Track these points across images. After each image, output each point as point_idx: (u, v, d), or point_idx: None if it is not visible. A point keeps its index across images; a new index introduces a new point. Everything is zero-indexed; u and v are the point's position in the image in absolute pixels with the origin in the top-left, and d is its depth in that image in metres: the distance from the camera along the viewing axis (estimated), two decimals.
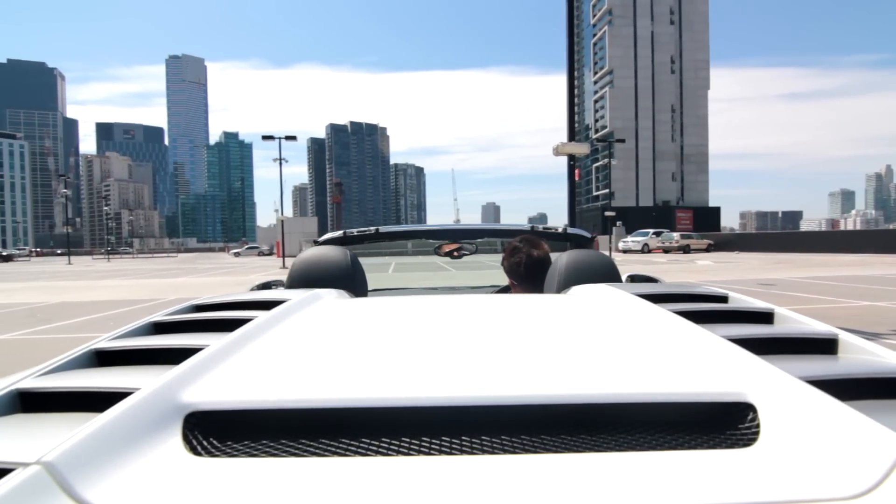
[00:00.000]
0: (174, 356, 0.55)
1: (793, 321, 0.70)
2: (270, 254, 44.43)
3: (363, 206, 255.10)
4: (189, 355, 0.54)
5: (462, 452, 0.40)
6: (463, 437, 0.41)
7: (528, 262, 1.55)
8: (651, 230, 33.53)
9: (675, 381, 0.47)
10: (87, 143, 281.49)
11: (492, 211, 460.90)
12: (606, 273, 1.17)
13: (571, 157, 8.70)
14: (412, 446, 0.40)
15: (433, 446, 0.40)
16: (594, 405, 0.43)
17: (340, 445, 0.41)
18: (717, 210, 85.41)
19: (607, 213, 32.84)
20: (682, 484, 0.35)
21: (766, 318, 0.73)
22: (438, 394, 0.44)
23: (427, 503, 0.34)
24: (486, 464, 0.38)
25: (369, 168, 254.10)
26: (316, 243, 1.87)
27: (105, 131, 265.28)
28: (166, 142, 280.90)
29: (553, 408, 0.43)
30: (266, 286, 1.81)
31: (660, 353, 0.55)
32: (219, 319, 0.72)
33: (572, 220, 9.10)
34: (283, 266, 19.54)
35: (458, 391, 0.45)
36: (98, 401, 0.45)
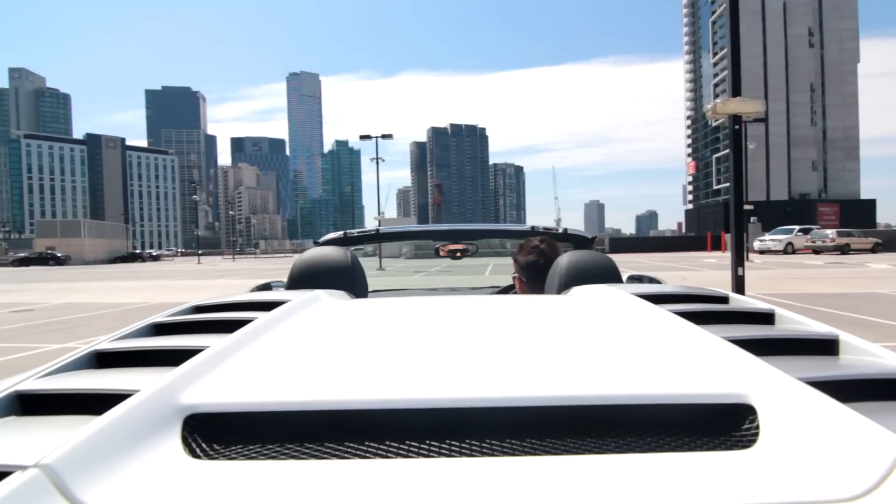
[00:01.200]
0: (174, 357, 0.55)
1: (793, 322, 0.69)
2: (375, 254, 45.72)
3: (462, 207, 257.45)
4: (189, 356, 0.54)
5: (462, 454, 0.39)
6: (463, 439, 0.41)
7: (546, 263, 1.54)
8: (796, 227, 28.35)
9: (676, 382, 0.47)
10: (224, 156, 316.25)
11: (595, 209, 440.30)
12: (607, 274, 1.18)
13: (736, 121, 6.22)
14: (412, 448, 0.40)
15: (433, 448, 0.40)
16: (595, 406, 0.43)
17: (340, 447, 0.40)
18: (871, 203, 71.58)
19: (745, 207, 28.11)
20: (682, 486, 0.35)
21: (766, 318, 0.73)
22: (439, 395, 0.44)
23: None
24: (486, 466, 0.38)
25: (468, 169, 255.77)
26: (316, 244, 1.85)
27: (238, 145, 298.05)
28: (287, 152, 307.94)
29: (553, 409, 0.43)
30: (266, 287, 1.82)
31: (660, 354, 0.55)
32: (219, 320, 0.72)
33: (738, 200, 6.61)
34: (380, 268, 19.46)
35: (458, 393, 0.45)
36: (98, 402, 0.44)
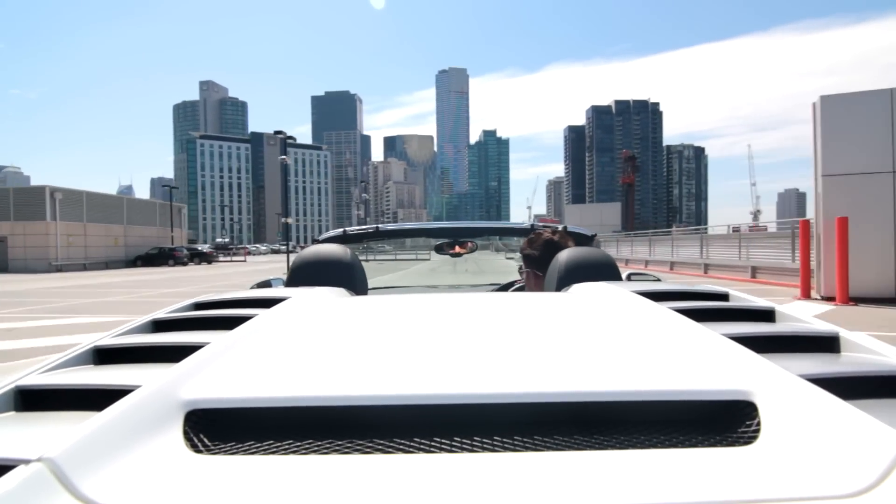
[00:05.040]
0: (175, 354, 0.55)
1: (794, 320, 0.69)
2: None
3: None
4: (190, 353, 0.54)
5: (463, 450, 0.39)
6: (464, 435, 0.41)
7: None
8: None
9: (677, 379, 0.47)
10: (377, 156, 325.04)
11: (793, 200, 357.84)
12: (607, 271, 1.17)
13: None
14: (413, 444, 0.40)
15: (434, 444, 0.40)
16: (596, 403, 0.43)
17: (341, 443, 0.40)
18: None
19: None
20: (683, 482, 0.35)
21: (767, 316, 0.72)
22: (439, 391, 0.44)
23: (428, 501, 0.33)
24: (487, 461, 0.38)
25: (637, 152, 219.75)
26: (315, 241, 1.88)
27: (390, 144, 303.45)
28: (435, 148, 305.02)
29: (555, 405, 0.43)
30: (266, 284, 1.82)
31: (661, 351, 0.55)
32: (219, 317, 0.72)
33: None
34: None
35: (458, 388, 0.45)
36: (99, 398, 0.45)
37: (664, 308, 0.70)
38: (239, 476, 0.36)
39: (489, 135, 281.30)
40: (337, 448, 0.40)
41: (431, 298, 0.93)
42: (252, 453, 0.40)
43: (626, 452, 0.39)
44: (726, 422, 0.43)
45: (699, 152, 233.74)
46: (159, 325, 0.73)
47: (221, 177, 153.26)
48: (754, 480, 0.35)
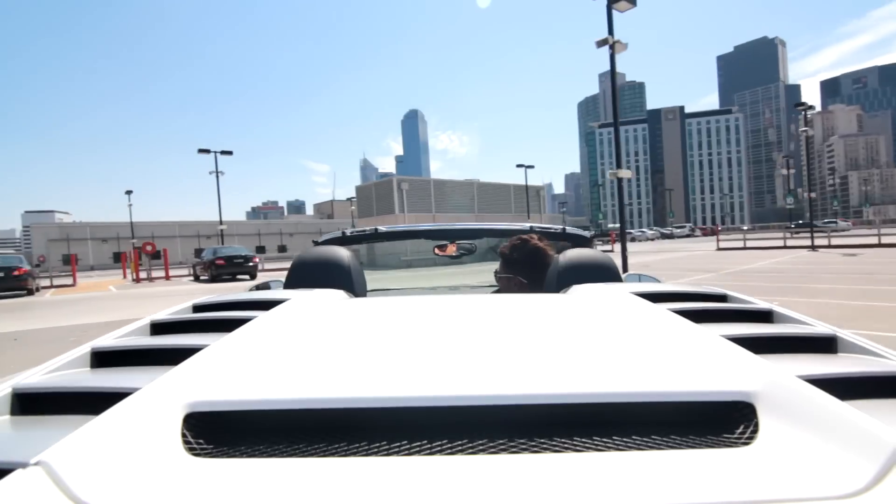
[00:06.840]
0: (173, 356, 0.55)
1: (792, 321, 0.69)
2: None
3: None
4: (188, 355, 0.54)
5: (462, 452, 0.40)
6: (463, 437, 0.41)
7: (540, 261, 1.51)
8: None
9: (675, 380, 0.47)
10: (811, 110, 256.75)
11: None
12: (606, 272, 1.18)
13: None
14: (412, 446, 0.40)
15: (434, 446, 0.40)
16: (595, 404, 0.44)
17: (339, 445, 0.41)
18: None
19: None
20: (681, 483, 0.35)
21: (765, 317, 0.73)
22: (439, 393, 0.44)
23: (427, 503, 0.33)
24: (486, 464, 0.38)
25: None
26: (315, 243, 1.89)
27: (830, 88, 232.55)
28: None
29: (553, 407, 0.43)
30: (265, 286, 1.82)
31: (659, 352, 0.55)
32: (218, 319, 0.73)
33: None
34: None
35: (458, 390, 0.45)
36: (97, 401, 0.45)
37: (663, 309, 0.70)
38: (237, 479, 0.36)
39: None
40: (336, 450, 0.40)
41: (431, 300, 0.92)
42: (250, 456, 0.40)
43: (626, 454, 0.39)
44: (725, 423, 0.43)
45: None
46: (157, 328, 0.73)
47: (626, 163, 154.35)
48: (752, 481, 0.35)
